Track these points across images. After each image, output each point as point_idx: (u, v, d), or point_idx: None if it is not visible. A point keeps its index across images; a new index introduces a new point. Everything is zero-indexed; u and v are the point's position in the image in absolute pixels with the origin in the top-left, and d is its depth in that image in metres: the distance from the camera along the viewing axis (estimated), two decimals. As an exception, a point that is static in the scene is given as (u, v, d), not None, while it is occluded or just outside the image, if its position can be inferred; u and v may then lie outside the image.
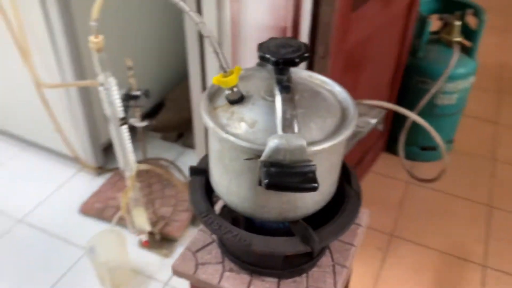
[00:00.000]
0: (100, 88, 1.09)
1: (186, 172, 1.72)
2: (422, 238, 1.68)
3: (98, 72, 1.07)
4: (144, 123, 1.31)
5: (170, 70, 2.20)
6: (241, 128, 0.69)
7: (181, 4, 0.71)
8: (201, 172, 0.85)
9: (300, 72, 0.81)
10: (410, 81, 1.86)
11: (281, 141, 0.62)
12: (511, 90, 2.59)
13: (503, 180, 1.95)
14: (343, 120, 0.73)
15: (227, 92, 0.72)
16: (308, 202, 0.74)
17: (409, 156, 2.03)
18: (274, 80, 0.69)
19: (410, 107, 1.85)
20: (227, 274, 0.86)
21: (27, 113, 1.95)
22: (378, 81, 1.64)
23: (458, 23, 1.73)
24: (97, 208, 1.75)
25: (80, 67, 1.67)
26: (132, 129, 1.83)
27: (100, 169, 1.95)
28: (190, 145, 1.99)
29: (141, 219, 1.41)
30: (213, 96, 0.76)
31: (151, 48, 2.02)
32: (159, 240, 1.59)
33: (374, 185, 1.92)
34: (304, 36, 1.11)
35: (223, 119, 0.71)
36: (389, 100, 1.86)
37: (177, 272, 0.88)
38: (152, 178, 1.83)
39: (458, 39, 1.73)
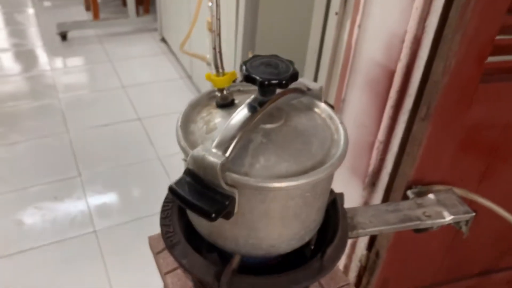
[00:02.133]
0: (206, 66, 1.17)
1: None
2: None
3: (208, 52, 1.14)
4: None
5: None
6: (201, 129, 0.65)
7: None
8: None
9: (323, 109, 0.71)
10: None
11: (200, 153, 0.57)
12: None
13: None
14: (318, 164, 0.61)
15: (217, 93, 0.69)
16: (238, 239, 0.66)
17: None
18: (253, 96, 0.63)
19: None
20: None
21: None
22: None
23: None
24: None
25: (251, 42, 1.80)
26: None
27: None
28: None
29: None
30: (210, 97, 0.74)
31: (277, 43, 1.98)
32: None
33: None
34: (413, 88, 0.94)
35: (198, 116, 0.69)
36: None
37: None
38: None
39: None
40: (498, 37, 0.85)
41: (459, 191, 1.01)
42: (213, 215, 0.56)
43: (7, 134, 2.12)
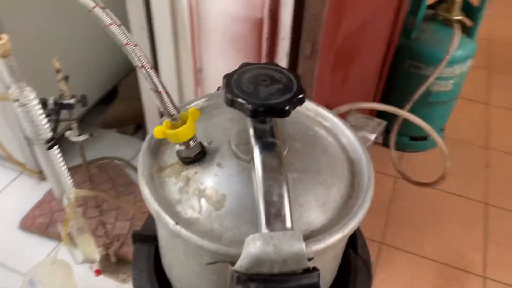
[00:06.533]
0: (15, 105, 0.81)
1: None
2: (415, 246, 1.50)
3: (9, 84, 0.78)
4: (83, 137, 1.04)
5: (122, 52, 1.88)
6: (202, 208, 0.44)
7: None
8: (148, 240, 0.60)
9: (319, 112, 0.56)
10: (401, 65, 1.62)
11: (265, 248, 0.38)
12: (501, 67, 2.40)
13: (498, 171, 1.78)
14: (352, 183, 0.49)
15: (178, 147, 0.46)
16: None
17: (398, 147, 1.83)
18: (251, 131, 0.44)
19: (400, 94, 1.63)
20: None
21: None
22: (367, 70, 1.40)
23: (459, -2, 1.48)
24: (41, 223, 1.47)
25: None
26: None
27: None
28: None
29: (89, 247, 1.16)
30: (158, 145, 0.51)
31: (90, 34, 1.62)
32: (115, 263, 1.34)
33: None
34: (285, 31, 0.85)
35: (174, 191, 0.46)
36: (377, 87, 1.62)
37: None
38: (104, 184, 1.56)
39: (459, 17, 1.49)
40: None
41: (342, 108, 1.01)
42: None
43: None
